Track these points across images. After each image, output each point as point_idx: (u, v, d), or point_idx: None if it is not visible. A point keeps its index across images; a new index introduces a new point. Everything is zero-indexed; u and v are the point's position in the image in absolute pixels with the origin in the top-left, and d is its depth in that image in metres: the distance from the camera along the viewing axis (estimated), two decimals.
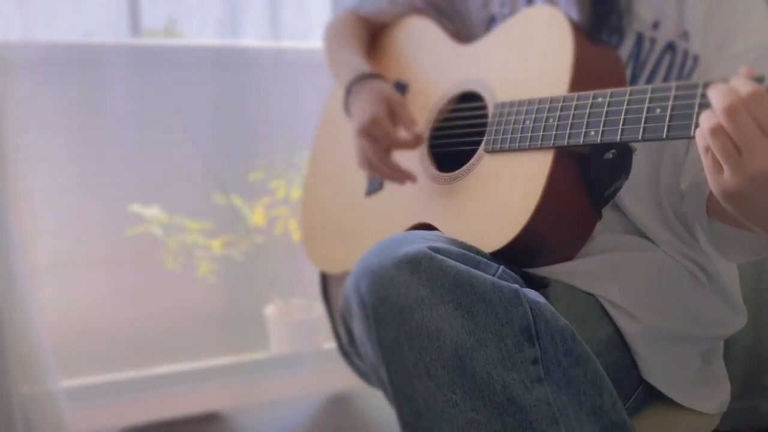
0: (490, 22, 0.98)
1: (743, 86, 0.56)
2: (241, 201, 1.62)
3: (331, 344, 1.50)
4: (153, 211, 1.55)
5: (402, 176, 0.91)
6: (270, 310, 1.66)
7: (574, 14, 0.84)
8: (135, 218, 1.53)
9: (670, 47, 0.82)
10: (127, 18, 1.56)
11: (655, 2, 0.82)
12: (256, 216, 1.62)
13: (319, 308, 1.57)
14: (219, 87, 1.57)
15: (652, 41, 0.83)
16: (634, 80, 0.84)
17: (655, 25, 0.82)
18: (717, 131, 0.57)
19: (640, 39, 0.83)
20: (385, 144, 0.90)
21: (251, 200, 1.62)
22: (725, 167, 0.58)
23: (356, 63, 1.00)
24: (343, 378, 1.26)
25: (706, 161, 0.60)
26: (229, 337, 1.63)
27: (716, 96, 0.57)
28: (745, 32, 0.78)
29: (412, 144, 0.90)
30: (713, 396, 0.85)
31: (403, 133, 0.90)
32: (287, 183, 1.61)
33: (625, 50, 0.83)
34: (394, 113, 0.91)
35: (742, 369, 1.18)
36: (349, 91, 0.96)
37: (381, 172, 0.91)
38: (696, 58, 0.80)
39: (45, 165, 1.45)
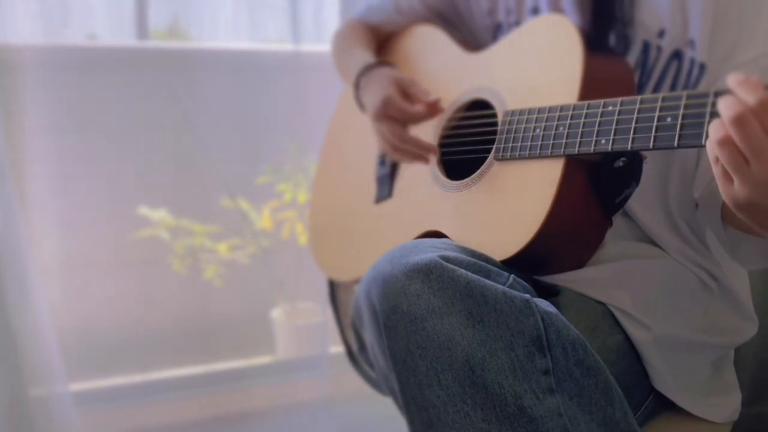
0: (497, 31, 0.98)
1: (750, 95, 0.56)
2: (248, 204, 1.63)
3: (337, 348, 1.51)
4: (160, 214, 1.55)
5: (425, 149, 0.90)
6: (276, 313, 1.66)
7: (577, 23, 0.84)
8: (142, 221, 1.54)
9: (677, 55, 0.82)
10: (133, 20, 1.56)
11: (660, 10, 0.82)
12: (263, 219, 1.62)
13: (325, 312, 1.57)
14: (227, 90, 1.57)
15: (659, 49, 0.82)
16: (641, 88, 0.83)
17: (661, 34, 0.82)
18: (725, 142, 0.57)
19: (646, 47, 0.83)
20: (401, 120, 0.90)
21: (258, 204, 1.63)
22: (734, 178, 0.58)
23: (363, 57, 1.01)
24: (349, 383, 1.26)
25: (716, 171, 0.61)
26: (236, 341, 1.63)
27: (724, 106, 0.57)
28: (755, 39, 0.78)
29: (429, 114, 0.89)
30: (724, 405, 0.85)
31: (418, 107, 0.90)
32: (294, 186, 1.61)
33: (632, 58, 0.83)
34: (405, 92, 0.91)
35: (750, 375, 1.18)
36: (358, 85, 0.96)
37: (403, 150, 0.91)
38: (703, 67, 0.80)
39: (53, 167, 1.45)
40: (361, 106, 0.97)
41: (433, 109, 0.89)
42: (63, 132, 1.46)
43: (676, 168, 0.82)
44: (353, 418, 1.59)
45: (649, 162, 0.79)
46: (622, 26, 0.82)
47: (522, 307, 0.65)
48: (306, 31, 1.57)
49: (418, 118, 0.90)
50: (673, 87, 0.82)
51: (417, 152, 0.91)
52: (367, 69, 0.96)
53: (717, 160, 0.59)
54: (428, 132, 0.96)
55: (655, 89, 0.83)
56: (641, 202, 0.83)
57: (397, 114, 0.89)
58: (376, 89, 0.92)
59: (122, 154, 1.52)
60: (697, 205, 0.82)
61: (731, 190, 0.59)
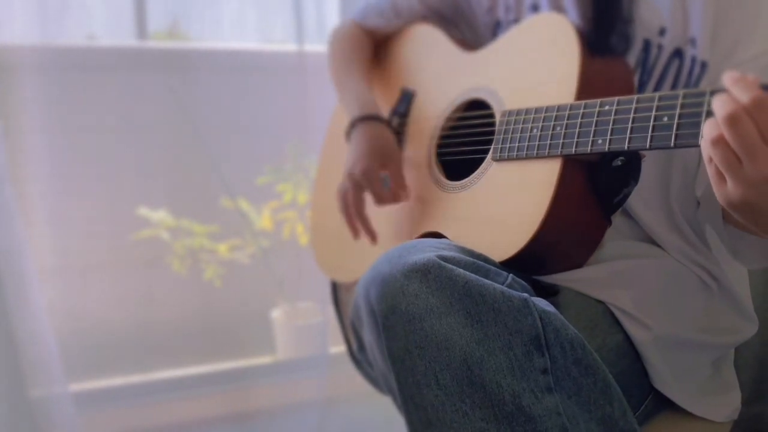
0: (496, 28, 0.98)
1: (745, 94, 0.56)
2: (248, 205, 1.63)
3: (338, 348, 1.51)
4: (160, 215, 1.56)
5: (367, 231, 0.95)
6: (276, 313, 1.66)
7: (578, 21, 0.84)
8: (142, 222, 1.54)
9: (678, 54, 0.82)
10: (133, 20, 1.56)
11: (660, 9, 0.82)
12: (263, 220, 1.62)
13: (325, 312, 1.57)
14: (227, 90, 1.57)
15: (660, 48, 0.82)
16: (642, 87, 0.83)
17: (662, 32, 0.82)
18: (718, 141, 0.57)
19: (647, 45, 0.83)
20: (368, 193, 0.93)
21: (258, 204, 1.63)
22: (727, 177, 0.58)
23: (362, 95, 1.02)
24: (350, 383, 1.26)
25: (710, 171, 0.61)
26: (236, 341, 1.63)
27: (718, 105, 0.57)
28: (756, 37, 0.78)
29: (393, 202, 0.94)
30: (724, 404, 0.85)
31: (387, 196, 0.94)
32: (294, 186, 1.61)
33: (633, 57, 0.83)
34: (386, 168, 0.94)
35: (750, 375, 1.18)
36: (353, 126, 0.99)
37: (349, 220, 0.95)
38: (704, 65, 0.80)
39: (52, 168, 1.46)
40: (348, 141, 0.99)
41: (399, 200, 0.94)
42: (62, 132, 1.46)
43: (678, 167, 0.82)
44: (353, 418, 1.59)
45: (650, 161, 0.79)
46: (622, 24, 0.82)
47: (520, 307, 0.65)
48: (307, 32, 1.57)
49: (383, 203, 0.94)
50: (674, 85, 0.82)
51: (358, 229, 0.96)
52: (365, 119, 0.98)
53: (711, 159, 0.59)
54: (426, 132, 0.96)
55: (656, 88, 0.83)
56: (642, 201, 0.83)
57: (368, 189, 0.93)
58: (363, 149, 0.95)
59: (122, 155, 1.53)
60: (699, 203, 0.82)
61: (725, 190, 0.59)
